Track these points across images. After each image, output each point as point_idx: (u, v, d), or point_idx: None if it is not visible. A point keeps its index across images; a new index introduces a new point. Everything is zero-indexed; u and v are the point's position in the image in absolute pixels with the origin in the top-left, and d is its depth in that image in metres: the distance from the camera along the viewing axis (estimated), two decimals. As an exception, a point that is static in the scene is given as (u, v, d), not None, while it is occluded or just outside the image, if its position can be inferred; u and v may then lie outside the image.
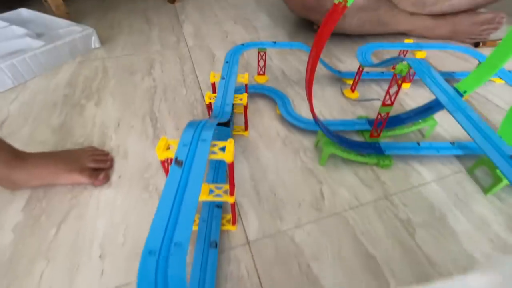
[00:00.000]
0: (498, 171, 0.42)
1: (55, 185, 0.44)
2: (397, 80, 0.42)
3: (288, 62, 0.77)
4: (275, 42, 0.62)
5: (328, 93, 0.65)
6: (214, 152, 0.26)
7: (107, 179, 0.45)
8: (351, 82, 0.67)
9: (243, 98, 0.48)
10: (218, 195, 0.33)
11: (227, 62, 0.55)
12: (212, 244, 0.35)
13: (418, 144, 0.49)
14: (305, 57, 0.79)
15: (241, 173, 0.47)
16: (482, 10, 0.83)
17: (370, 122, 0.54)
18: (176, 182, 0.23)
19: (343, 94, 0.64)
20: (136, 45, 0.85)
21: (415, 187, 0.45)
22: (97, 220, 0.40)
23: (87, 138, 0.53)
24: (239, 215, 0.41)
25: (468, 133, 0.30)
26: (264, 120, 0.57)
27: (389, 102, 0.45)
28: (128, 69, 0.74)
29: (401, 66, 0.40)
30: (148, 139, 0.52)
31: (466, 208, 0.42)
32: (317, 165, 0.48)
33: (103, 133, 0.54)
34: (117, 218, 0.40)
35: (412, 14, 0.83)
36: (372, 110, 0.60)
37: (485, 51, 0.81)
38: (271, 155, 0.50)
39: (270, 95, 0.61)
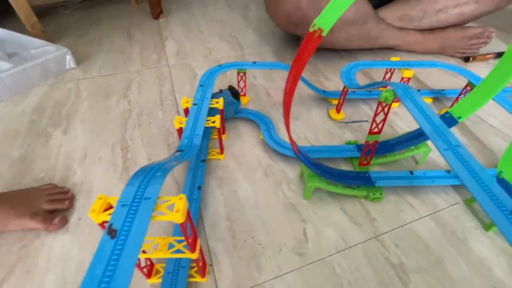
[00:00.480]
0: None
1: (3, 232, 0.38)
2: (383, 108, 0.38)
3: (273, 81, 0.73)
4: (254, 62, 0.59)
5: (314, 115, 0.61)
6: (161, 213, 0.22)
7: (64, 222, 0.40)
8: (337, 101, 0.64)
9: (216, 120, 0.44)
10: (178, 251, 0.28)
11: (201, 85, 0.51)
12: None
13: (411, 173, 0.46)
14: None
15: (216, 211, 0.42)
16: (471, 24, 0.82)
17: (359, 147, 0.50)
18: (105, 259, 0.18)
19: (329, 115, 0.61)
20: (115, 64, 0.81)
21: (407, 223, 0.41)
22: (46, 276, 0.34)
23: (48, 172, 0.48)
24: (211, 264, 0.36)
25: (456, 172, 0.26)
26: (245, 147, 0.53)
27: (376, 130, 0.41)
28: (104, 91, 0.70)
29: (386, 94, 0.36)
30: (116, 173, 0.48)
31: (464, 248, 0.38)
32: (301, 199, 0.44)
33: (67, 166, 0.49)
34: (70, 274, 0.35)
35: (400, 28, 0.81)
36: (361, 133, 0.56)
37: (475, 66, 0.79)
38: (251, 188, 0.45)
39: (253, 119, 0.57)
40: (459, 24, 0.78)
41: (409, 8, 0.79)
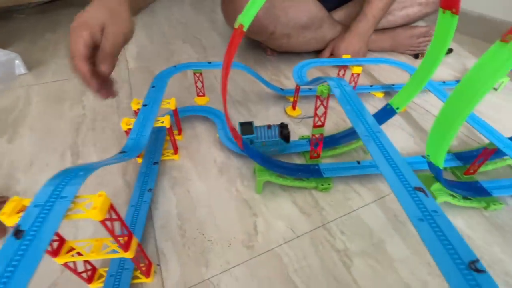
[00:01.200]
0: (433, 187, 0.41)
1: None
2: (322, 101, 0.40)
3: (234, 81, 0.74)
4: (210, 62, 0.59)
5: (272, 113, 0.63)
6: (79, 211, 0.21)
7: (2, 233, 0.38)
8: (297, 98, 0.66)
9: (165, 120, 0.43)
10: (113, 251, 0.28)
11: (153, 86, 0.50)
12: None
13: (358, 163, 0.48)
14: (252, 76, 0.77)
15: (167, 211, 0.42)
16: (419, 23, 0.87)
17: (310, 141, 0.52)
18: (7, 260, 0.17)
19: (285, 112, 0.62)
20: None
21: (354, 210, 0.43)
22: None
23: (-12, 183, 0.45)
24: (159, 264, 0.35)
25: (378, 167, 0.27)
26: (201, 147, 0.53)
27: (319, 123, 0.43)
28: (57, 97, 0.67)
29: (322, 87, 0.38)
30: (63, 179, 0.46)
31: (404, 230, 0.40)
32: (253, 194, 0.45)
33: (9, 175, 0.47)
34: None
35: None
36: (315, 128, 0.58)
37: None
38: (205, 187, 0.46)
39: (209, 116, 0.58)
40: (406, 24, 0.83)
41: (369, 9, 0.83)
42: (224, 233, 0.39)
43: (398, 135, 0.57)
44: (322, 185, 0.45)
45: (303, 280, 0.34)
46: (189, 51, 0.90)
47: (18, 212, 0.21)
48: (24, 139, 0.54)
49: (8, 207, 0.21)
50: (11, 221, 0.21)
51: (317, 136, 0.45)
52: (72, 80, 0.73)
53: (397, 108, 0.47)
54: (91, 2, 0.39)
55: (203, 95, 0.65)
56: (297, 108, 0.62)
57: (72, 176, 0.23)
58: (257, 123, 0.59)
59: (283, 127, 0.47)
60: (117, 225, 0.26)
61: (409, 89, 0.46)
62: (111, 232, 0.24)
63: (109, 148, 0.52)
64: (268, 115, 0.62)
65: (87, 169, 0.25)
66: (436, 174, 0.37)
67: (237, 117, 0.61)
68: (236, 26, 0.28)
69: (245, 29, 0.27)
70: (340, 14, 0.81)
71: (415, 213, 0.21)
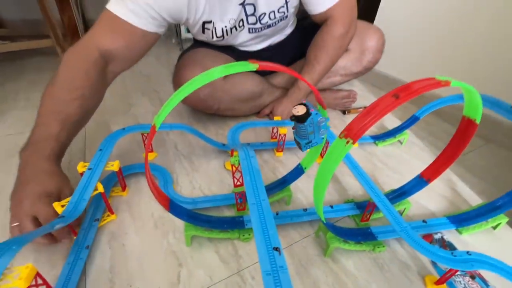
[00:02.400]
0: (328, 235, 0.52)
1: None
2: (236, 167, 0.50)
3: (183, 135, 0.83)
4: (157, 125, 0.68)
5: (212, 167, 0.72)
6: (7, 281, 0.28)
7: None
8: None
9: (115, 164, 0.51)
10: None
11: (100, 150, 0.58)
12: None
13: (277, 214, 0.57)
14: (201, 129, 0.87)
15: (101, 266, 0.47)
16: (341, 87, 1.06)
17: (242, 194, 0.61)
18: None
19: (224, 167, 0.72)
20: (28, 122, 0.83)
21: (267, 257, 0.51)
22: None
23: None
24: (85, 318, 0.40)
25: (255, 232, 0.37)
26: (142, 202, 0.60)
27: (238, 183, 0.53)
28: (9, 151, 0.71)
29: (233, 159, 0.49)
30: (3, 238, 0.50)
31: (305, 273, 0.49)
32: (183, 246, 0.52)
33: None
34: None
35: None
36: (247, 181, 0.68)
37: (350, 117, 1.01)
38: (139, 240, 0.52)
39: (153, 174, 0.65)
40: (330, 89, 1.01)
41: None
42: (151, 284, 0.45)
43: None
44: (243, 235, 0.53)
45: (213, 324, 0.41)
46: (146, 105, 0.99)
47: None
48: (-31, 196, 0.57)
49: None
50: None
51: (239, 192, 0.55)
52: (28, 134, 0.78)
53: (305, 168, 0.59)
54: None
55: (152, 151, 0.73)
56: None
57: (5, 250, 0.30)
58: (197, 177, 0.68)
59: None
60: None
61: (312, 152, 0.58)
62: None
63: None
64: (208, 169, 0.71)
65: (20, 242, 0.31)
66: (326, 225, 0.48)
67: (180, 171, 0.69)
68: (152, 124, 0.38)
69: (157, 129, 0.37)
70: (279, 80, 0.97)
71: (266, 268, 0.31)
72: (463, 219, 0.59)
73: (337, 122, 0.96)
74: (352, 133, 0.37)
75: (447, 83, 0.36)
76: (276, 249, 0.33)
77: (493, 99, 0.60)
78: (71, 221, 0.42)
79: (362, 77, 1.33)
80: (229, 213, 0.59)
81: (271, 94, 0.91)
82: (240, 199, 0.56)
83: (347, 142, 0.37)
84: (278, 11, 0.75)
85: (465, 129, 0.47)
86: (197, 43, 0.87)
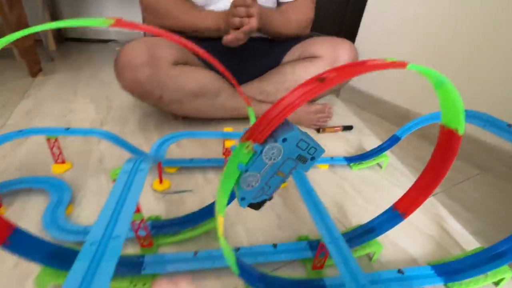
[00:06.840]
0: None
1: None
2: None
3: (118, 147, 0.69)
4: (67, 129, 0.54)
5: (136, 185, 0.57)
6: None
7: None
8: (173, 170, 0.62)
9: None
10: None
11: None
12: None
13: (195, 254, 0.41)
14: (139, 140, 0.73)
15: None
16: (318, 101, 0.95)
17: (154, 225, 0.46)
18: None
19: (151, 187, 0.57)
20: None
21: (162, 322, 0.34)
22: None
23: None
24: None
25: None
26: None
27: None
28: None
29: (114, 173, 0.34)
30: None
31: None
32: None
33: None
34: None
35: (259, 101, 0.88)
36: (175, 207, 0.53)
37: (325, 136, 0.88)
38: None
39: (46, 189, 0.50)
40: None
41: (266, 85, 0.89)
42: None
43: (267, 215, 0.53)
44: (137, 283, 0.37)
45: None
46: (89, 111, 0.86)
47: None
48: None
49: None
50: None
51: (137, 221, 0.39)
52: None
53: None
54: None
55: (63, 162, 0.59)
56: (165, 180, 0.58)
57: None
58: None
59: None
60: None
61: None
62: None
63: None
64: (131, 188, 0.56)
65: None
66: (243, 278, 0.32)
67: (90, 190, 0.54)
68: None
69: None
70: (247, 88, 0.86)
71: None
72: (454, 270, 0.43)
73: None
74: (256, 132, 0.24)
75: (400, 65, 0.23)
76: None
77: (488, 117, 0.48)
78: None
79: (344, 95, 1.23)
80: (131, 250, 0.43)
81: (231, 97, 0.80)
82: (142, 230, 0.40)
83: (247, 147, 0.23)
84: None
85: (446, 143, 0.33)
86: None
